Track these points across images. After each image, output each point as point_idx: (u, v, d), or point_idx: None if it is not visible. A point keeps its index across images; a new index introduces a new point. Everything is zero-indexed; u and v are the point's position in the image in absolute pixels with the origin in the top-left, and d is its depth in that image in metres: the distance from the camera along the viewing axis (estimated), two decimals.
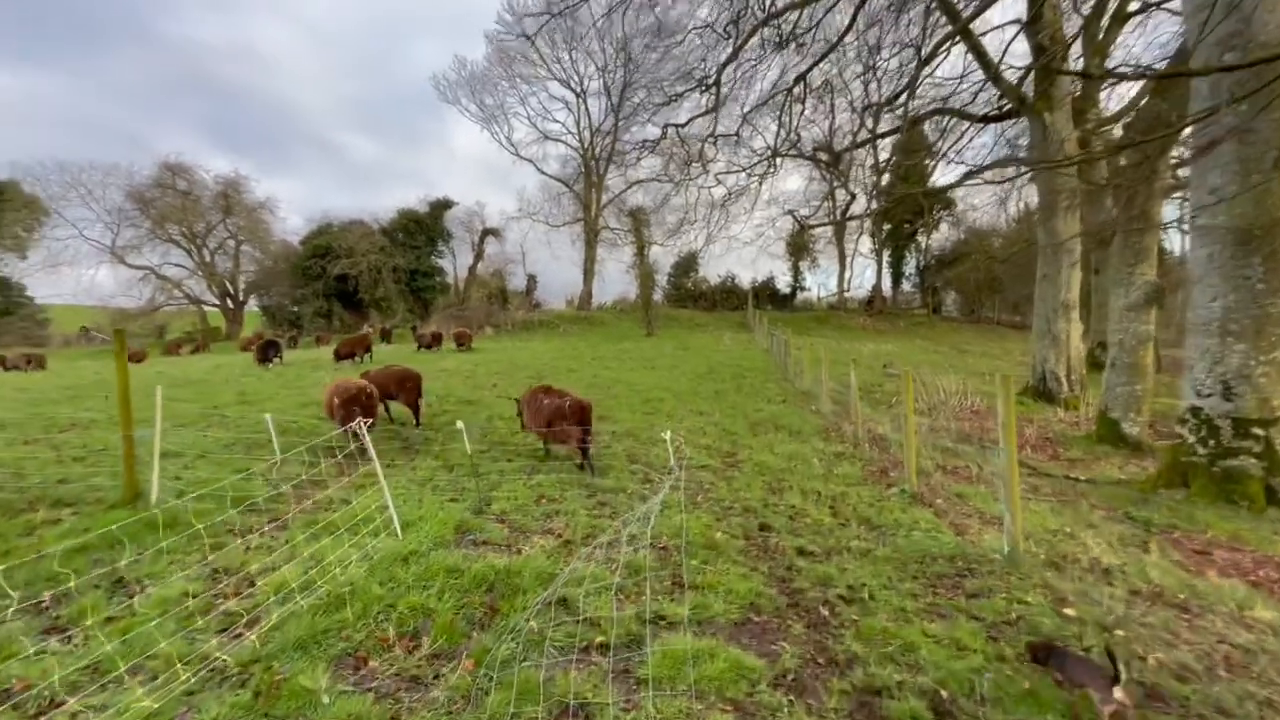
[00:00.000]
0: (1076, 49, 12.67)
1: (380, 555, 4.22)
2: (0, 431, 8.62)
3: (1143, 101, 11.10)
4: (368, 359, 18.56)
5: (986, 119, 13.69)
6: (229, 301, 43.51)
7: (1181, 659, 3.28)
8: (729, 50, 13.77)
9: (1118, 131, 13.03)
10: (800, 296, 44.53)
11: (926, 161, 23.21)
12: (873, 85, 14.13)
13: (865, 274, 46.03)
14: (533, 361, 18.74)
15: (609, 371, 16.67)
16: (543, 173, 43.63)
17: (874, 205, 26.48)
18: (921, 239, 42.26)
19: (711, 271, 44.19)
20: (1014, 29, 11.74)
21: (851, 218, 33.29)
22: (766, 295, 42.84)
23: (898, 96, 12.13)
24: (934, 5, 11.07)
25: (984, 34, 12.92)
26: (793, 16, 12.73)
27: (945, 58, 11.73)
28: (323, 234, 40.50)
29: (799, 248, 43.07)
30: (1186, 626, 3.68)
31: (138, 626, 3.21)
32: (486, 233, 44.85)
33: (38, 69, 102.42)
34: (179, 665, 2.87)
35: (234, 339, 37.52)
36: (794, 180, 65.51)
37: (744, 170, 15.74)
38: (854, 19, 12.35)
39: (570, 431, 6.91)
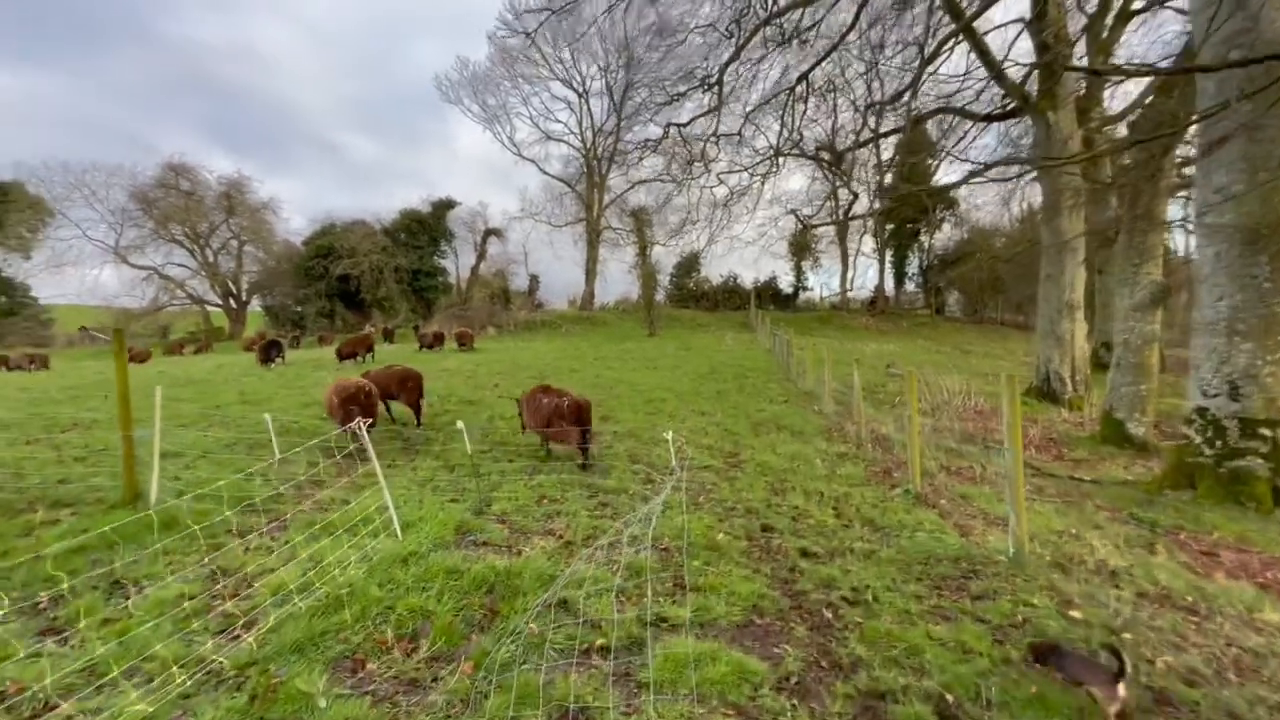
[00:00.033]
0: (1080, 48, 12.63)
1: (380, 556, 4.19)
2: (2, 431, 8.62)
3: (1147, 100, 11.03)
4: (370, 359, 18.58)
5: (990, 118, 13.63)
6: (232, 301, 43.61)
7: (1190, 662, 3.23)
8: (731, 49, 13.75)
9: (1122, 130, 12.96)
10: (802, 296, 44.45)
11: (929, 161, 23.17)
12: (875, 84, 14.12)
13: (868, 274, 45.95)
14: (535, 361, 18.72)
15: (611, 371, 16.64)
16: (545, 173, 43.75)
17: (877, 204, 26.47)
18: (924, 239, 42.12)
19: (714, 271, 44.16)
20: (1017, 27, 11.71)
21: (854, 217, 33.32)
22: (769, 295, 42.75)
23: (900, 95, 12.07)
24: (937, 4, 11.03)
25: (987, 32, 12.87)
26: (795, 15, 12.71)
27: (948, 56, 11.71)
28: (325, 234, 40.57)
29: (801, 247, 42.96)
30: (1195, 629, 3.63)
31: (134, 628, 3.19)
32: (489, 233, 44.89)
33: (38, 69, 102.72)
34: (175, 668, 2.84)
35: (237, 339, 37.58)
36: (796, 179, 65.24)
37: (746, 170, 15.72)
38: (857, 17, 12.31)
39: (569, 431, 6.88)
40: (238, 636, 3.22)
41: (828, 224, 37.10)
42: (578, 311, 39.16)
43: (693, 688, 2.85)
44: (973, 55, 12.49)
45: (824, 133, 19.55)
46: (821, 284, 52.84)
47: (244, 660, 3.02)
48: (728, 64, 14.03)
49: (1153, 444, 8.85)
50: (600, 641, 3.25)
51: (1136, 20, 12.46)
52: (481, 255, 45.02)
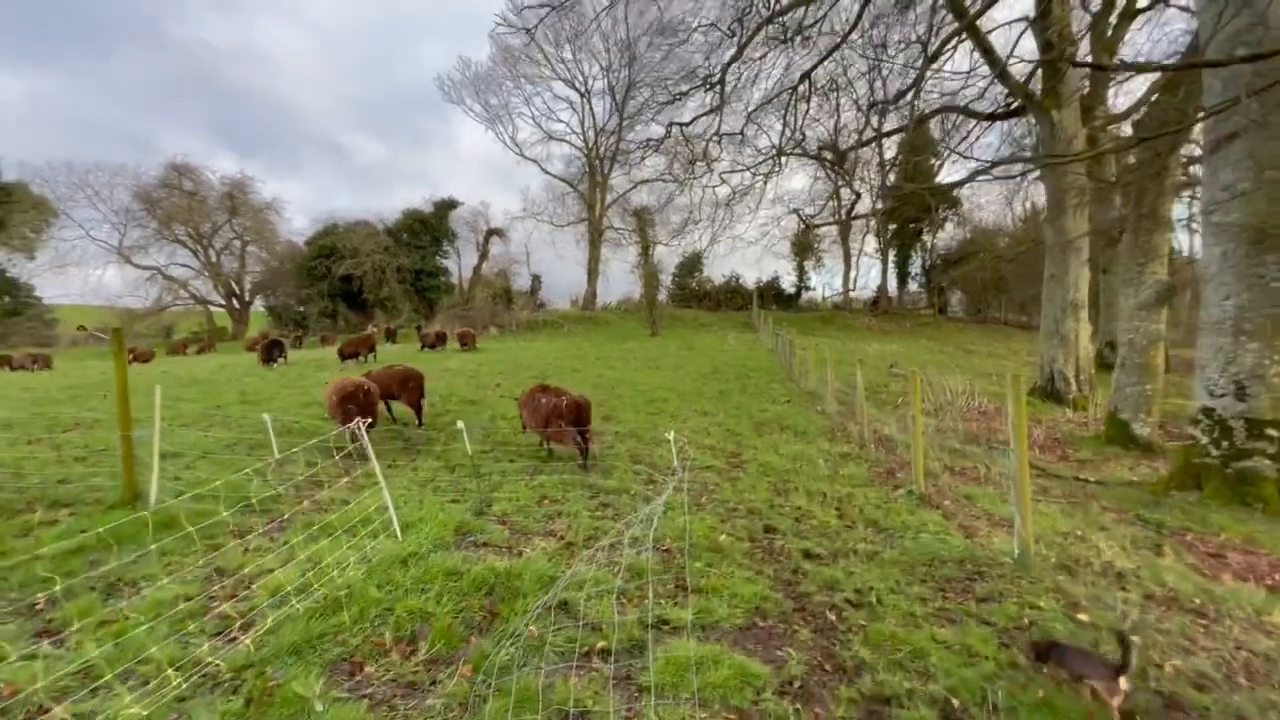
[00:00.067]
0: (1084, 47, 12.54)
1: (379, 557, 4.16)
2: (4, 431, 8.62)
3: (1152, 98, 10.96)
4: (372, 359, 18.58)
5: (993, 116, 13.54)
6: (235, 302, 43.68)
7: (1199, 666, 3.18)
8: (733, 48, 13.70)
9: (1126, 129, 12.86)
10: (805, 296, 44.34)
11: (932, 160, 23.08)
12: (878, 83, 14.06)
13: (870, 274, 45.60)
14: (537, 361, 18.70)
15: (613, 371, 16.61)
16: (547, 173, 43.75)
17: (879, 204, 26.39)
18: (927, 238, 41.95)
19: (716, 271, 44.19)
20: (1021, 25, 11.60)
21: (857, 217, 33.26)
22: (771, 295, 42.65)
23: (903, 94, 11.99)
24: (940, 2, 10.96)
25: (991, 31, 12.76)
26: (797, 14, 12.65)
27: (952, 55, 11.70)
28: (328, 234, 40.62)
29: (804, 247, 42.89)
30: (1203, 632, 3.58)
31: (130, 630, 3.16)
32: (491, 233, 44.90)
33: (38, 69, 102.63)
34: (170, 670, 2.81)
35: (240, 339, 37.63)
36: (799, 179, 65.45)
37: (749, 169, 15.67)
38: (860, 15, 12.25)
39: (569, 430, 6.85)
40: (235, 638, 3.19)
41: (830, 224, 36.98)
42: (580, 311, 39.14)
43: (694, 691, 2.81)
44: (976, 54, 12.40)
45: (826, 132, 19.54)
46: (824, 284, 52.92)
47: (241, 662, 2.99)
48: (730, 63, 13.99)
49: (1158, 445, 8.78)
50: (601, 644, 3.21)
51: (1141, 18, 12.34)
52: (484, 255, 45.08)
